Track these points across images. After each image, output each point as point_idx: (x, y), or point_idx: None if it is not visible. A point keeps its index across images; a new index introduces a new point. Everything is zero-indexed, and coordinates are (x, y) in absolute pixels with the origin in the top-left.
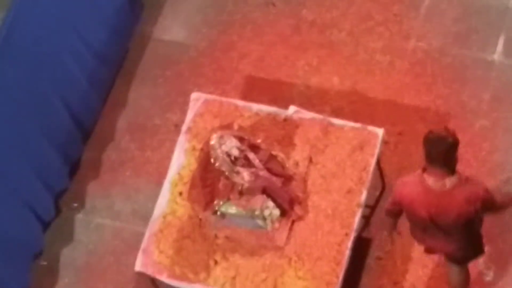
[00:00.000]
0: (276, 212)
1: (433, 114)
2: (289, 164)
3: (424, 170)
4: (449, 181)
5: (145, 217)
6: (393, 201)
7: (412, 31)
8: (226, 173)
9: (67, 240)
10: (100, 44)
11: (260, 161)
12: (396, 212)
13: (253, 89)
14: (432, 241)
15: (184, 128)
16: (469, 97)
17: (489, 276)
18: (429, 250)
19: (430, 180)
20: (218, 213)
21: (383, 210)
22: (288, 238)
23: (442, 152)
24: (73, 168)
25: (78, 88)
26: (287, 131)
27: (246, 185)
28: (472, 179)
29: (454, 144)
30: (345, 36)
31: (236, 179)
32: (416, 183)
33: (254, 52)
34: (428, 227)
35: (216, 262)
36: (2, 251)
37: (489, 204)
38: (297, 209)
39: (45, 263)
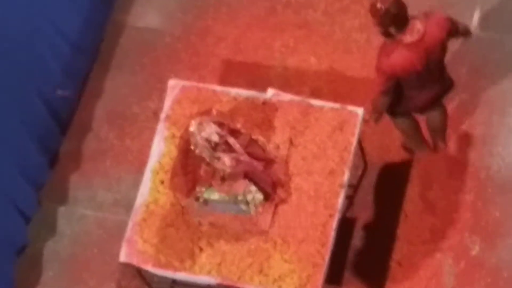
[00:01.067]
0: (259, 196)
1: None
2: (269, 147)
3: (391, 40)
4: (419, 25)
5: (128, 206)
6: (386, 79)
7: None
8: (207, 160)
9: (50, 233)
10: (75, 34)
11: (241, 145)
12: (391, 87)
13: (231, 73)
14: (429, 92)
15: (162, 115)
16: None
17: (474, 250)
18: (422, 108)
19: (407, 38)
20: (201, 199)
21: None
22: (272, 221)
23: (406, 11)
24: (53, 160)
25: (54, 78)
26: (266, 115)
27: (228, 170)
28: (429, 11)
29: None
30: (321, 16)
31: (217, 165)
32: (398, 49)
33: (230, 36)
34: (424, 80)
35: (201, 249)
36: None
37: (454, 23)
38: (280, 192)
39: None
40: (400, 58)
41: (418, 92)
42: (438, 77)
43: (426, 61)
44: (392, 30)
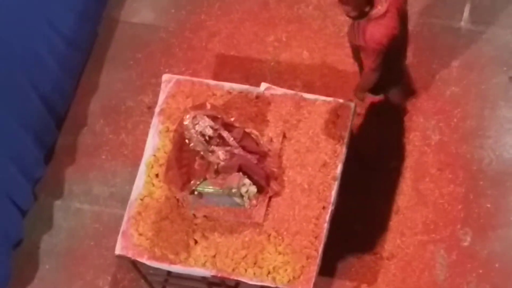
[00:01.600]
0: (253, 189)
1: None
2: (263, 140)
3: (366, 19)
4: None
5: (123, 200)
6: (377, 54)
7: None
8: (201, 153)
9: (47, 227)
10: (69, 29)
11: (235, 139)
12: (381, 61)
13: (224, 67)
14: (405, 51)
15: (157, 109)
16: (439, 65)
17: (466, 242)
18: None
19: (380, 9)
20: (195, 193)
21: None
22: (266, 214)
23: None
24: (49, 154)
25: (49, 74)
26: (259, 108)
27: (222, 163)
28: None
29: None
30: (313, 10)
31: (212, 158)
32: (377, 22)
33: (223, 30)
34: (403, 38)
35: (196, 242)
36: None
37: None
38: (274, 185)
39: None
40: (384, 28)
41: (399, 56)
42: (407, 30)
43: (401, 19)
44: (367, 8)
